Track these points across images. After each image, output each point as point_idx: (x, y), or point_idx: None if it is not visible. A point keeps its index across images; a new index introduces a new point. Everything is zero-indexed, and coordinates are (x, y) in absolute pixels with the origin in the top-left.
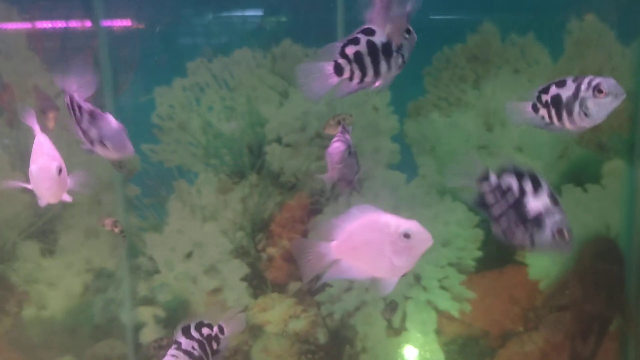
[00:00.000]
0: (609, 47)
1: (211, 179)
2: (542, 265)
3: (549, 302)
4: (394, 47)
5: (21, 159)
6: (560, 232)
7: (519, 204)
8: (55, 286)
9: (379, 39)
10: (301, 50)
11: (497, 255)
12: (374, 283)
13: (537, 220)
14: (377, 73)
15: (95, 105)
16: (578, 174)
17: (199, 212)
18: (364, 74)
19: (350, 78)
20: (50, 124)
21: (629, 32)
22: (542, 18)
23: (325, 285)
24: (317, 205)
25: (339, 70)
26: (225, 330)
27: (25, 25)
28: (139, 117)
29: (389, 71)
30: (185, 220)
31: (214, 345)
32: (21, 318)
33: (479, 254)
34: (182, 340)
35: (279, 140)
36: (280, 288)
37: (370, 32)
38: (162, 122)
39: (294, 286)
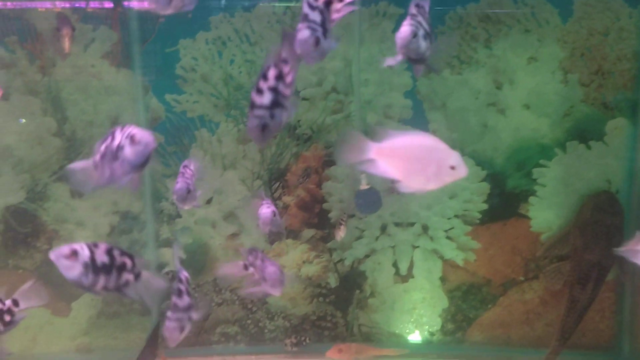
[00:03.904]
0: (616, 8)
1: (231, 129)
2: (545, 218)
3: (550, 252)
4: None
5: (53, 105)
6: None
7: None
8: (83, 226)
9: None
10: None
11: (502, 209)
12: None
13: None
14: None
15: (121, 55)
16: (583, 131)
17: (219, 160)
18: None
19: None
20: (66, 45)
21: None
22: None
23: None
24: (331, 156)
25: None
26: (21, 303)
27: None
28: (164, 68)
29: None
30: (206, 168)
31: (7, 318)
32: None
33: (484, 206)
34: None
35: (296, 94)
36: (294, 234)
37: None
38: (185, 74)
39: (307, 233)
